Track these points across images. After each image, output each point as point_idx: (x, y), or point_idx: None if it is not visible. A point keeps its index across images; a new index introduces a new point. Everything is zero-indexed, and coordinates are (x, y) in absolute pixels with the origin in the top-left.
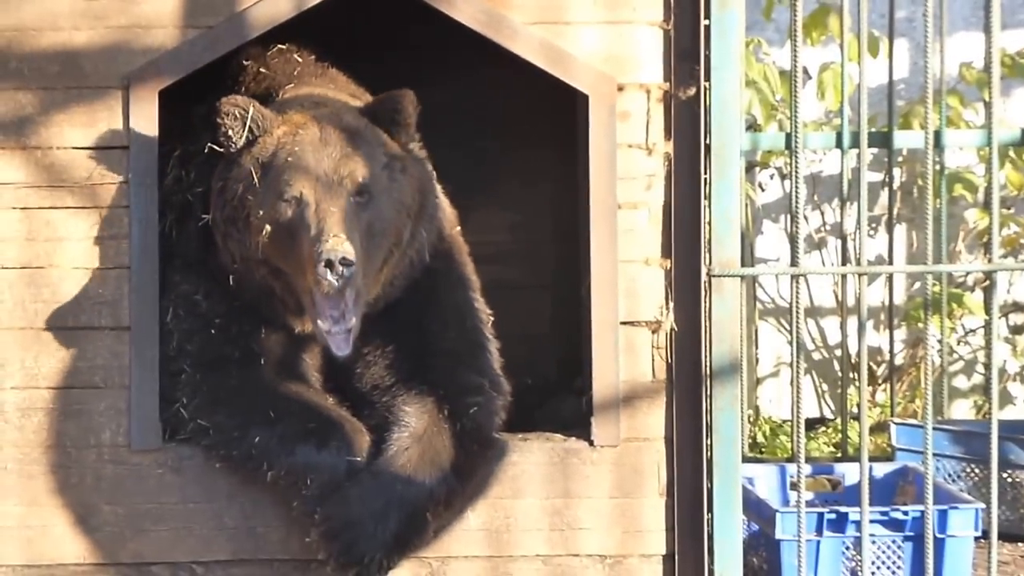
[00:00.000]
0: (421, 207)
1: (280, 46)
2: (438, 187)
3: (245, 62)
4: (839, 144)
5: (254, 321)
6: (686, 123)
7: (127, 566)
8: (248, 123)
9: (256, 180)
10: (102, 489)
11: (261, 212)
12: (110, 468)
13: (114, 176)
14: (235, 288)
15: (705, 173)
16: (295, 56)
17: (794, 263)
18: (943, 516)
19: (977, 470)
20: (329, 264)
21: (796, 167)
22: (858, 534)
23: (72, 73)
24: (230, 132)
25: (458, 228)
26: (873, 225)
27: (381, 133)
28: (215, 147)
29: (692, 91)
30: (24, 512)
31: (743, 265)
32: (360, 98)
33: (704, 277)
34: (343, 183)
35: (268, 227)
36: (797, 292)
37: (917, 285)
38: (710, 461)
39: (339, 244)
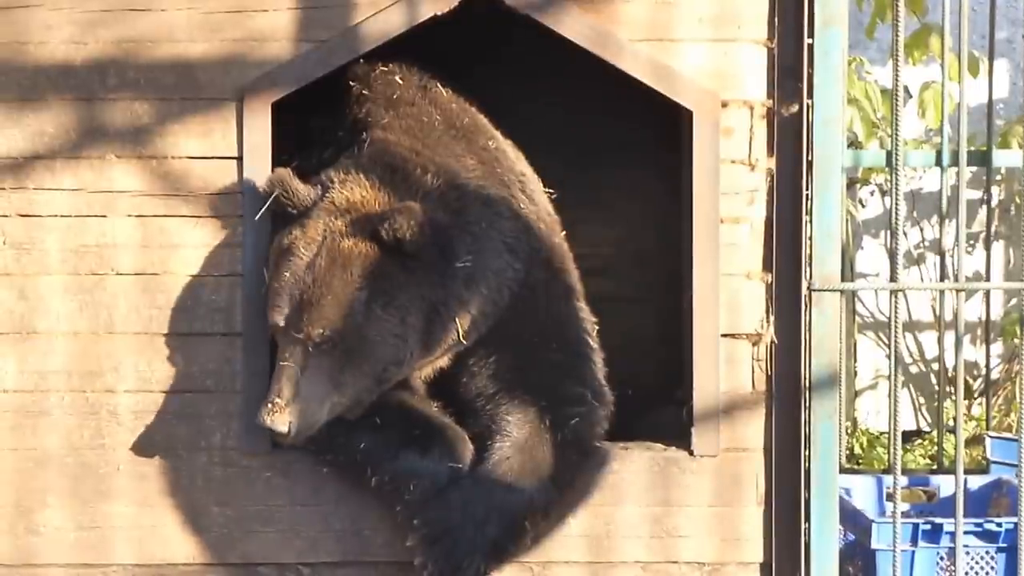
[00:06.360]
0: (431, 317)
1: (383, 67)
2: (540, 198)
3: (351, 83)
4: (939, 162)
5: None
6: (789, 140)
7: (235, 566)
8: (270, 202)
9: (268, 276)
10: (212, 491)
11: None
12: (220, 470)
13: (228, 185)
14: None
15: (807, 189)
16: (396, 78)
17: (893, 279)
18: None
19: None
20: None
21: (896, 184)
22: (952, 545)
23: (188, 84)
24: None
25: (562, 234)
26: (971, 242)
27: (376, 256)
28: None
29: (795, 108)
30: (136, 512)
31: (843, 280)
32: (456, 120)
33: (804, 291)
34: (302, 338)
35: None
36: (896, 307)
37: (1013, 301)
38: (808, 472)
39: (265, 416)
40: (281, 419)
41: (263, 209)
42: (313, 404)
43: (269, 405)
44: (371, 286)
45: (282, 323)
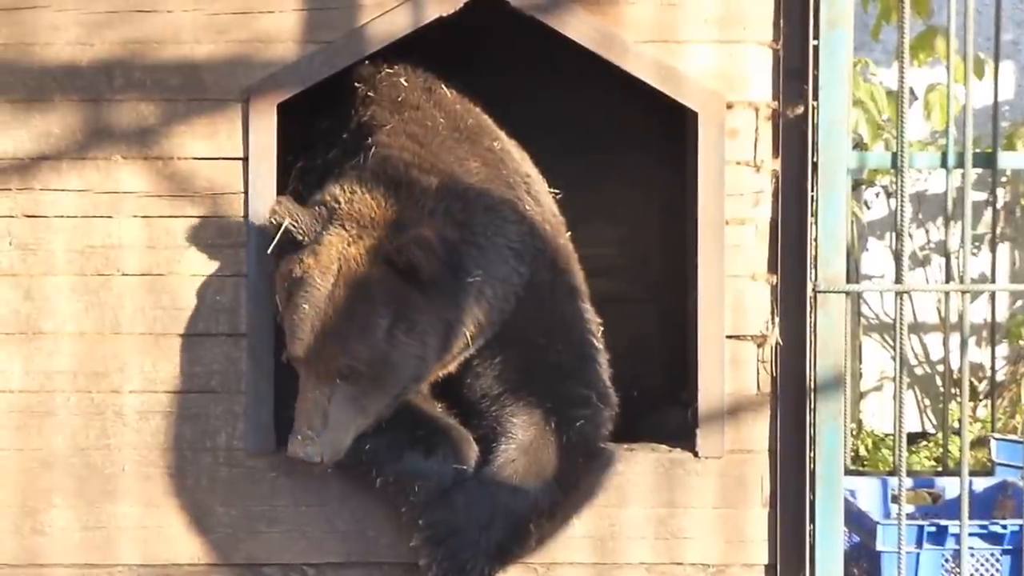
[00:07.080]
0: (447, 334)
1: (388, 69)
2: (545, 199)
3: (357, 84)
4: (944, 164)
5: None
6: (794, 141)
7: (240, 567)
8: (280, 234)
9: (281, 306)
10: (217, 491)
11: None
12: (225, 471)
13: (233, 186)
14: None
15: (812, 190)
16: (401, 80)
17: (899, 280)
18: None
19: None
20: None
21: (902, 186)
22: (957, 547)
23: (193, 85)
24: (269, 232)
25: (567, 235)
26: (976, 244)
27: (392, 280)
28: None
29: (800, 110)
30: (141, 513)
31: (848, 281)
32: (461, 121)
33: (810, 293)
34: (327, 368)
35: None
36: (901, 309)
37: (1019, 303)
38: (813, 473)
39: (298, 448)
40: (314, 451)
41: (273, 244)
42: (341, 431)
43: (300, 437)
44: (392, 312)
45: (305, 355)
